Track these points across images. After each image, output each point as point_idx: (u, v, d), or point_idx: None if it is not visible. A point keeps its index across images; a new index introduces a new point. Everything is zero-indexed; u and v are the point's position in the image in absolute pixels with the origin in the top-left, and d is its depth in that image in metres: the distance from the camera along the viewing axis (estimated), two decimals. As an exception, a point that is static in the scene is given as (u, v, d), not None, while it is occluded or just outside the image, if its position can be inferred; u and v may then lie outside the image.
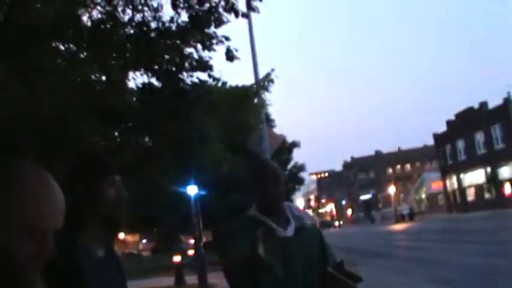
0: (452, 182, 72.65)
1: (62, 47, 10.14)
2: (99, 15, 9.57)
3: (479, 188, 64.93)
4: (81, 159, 2.42)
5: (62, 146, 8.41)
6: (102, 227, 2.34)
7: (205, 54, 9.70)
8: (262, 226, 3.10)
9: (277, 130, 23.15)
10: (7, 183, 1.32)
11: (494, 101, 60.61)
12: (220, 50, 9.25)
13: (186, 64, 9.68)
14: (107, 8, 9.16)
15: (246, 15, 8.00)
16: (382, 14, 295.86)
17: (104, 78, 10.22)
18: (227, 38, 9.17)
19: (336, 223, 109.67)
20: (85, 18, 9.77)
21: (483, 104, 62.53)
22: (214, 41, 9.20)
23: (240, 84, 13.42)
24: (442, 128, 73.46)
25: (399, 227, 57.44)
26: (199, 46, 9.40)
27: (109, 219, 2.31)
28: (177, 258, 25.04)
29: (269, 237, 3.07)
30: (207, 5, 7.91)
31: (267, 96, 12.33)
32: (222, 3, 7.62)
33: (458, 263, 16.36)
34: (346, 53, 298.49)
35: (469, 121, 63.34)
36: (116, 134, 11.57)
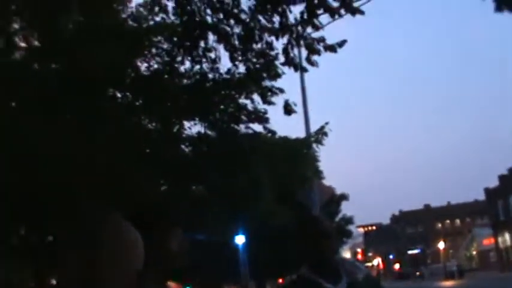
0: (504, 239, 70.64)
1: (118, 95, 10.35)
2: (157, 65, 9.77)
3: (533, 246, 62.98)
4: (145, 212, 2.41)
5: (118, 195, 8.49)
6: (162, 278, 2.33)
7: (261, 106, 9.77)
8: (312, 285, 3.06)
9: (325, 182, 23.03)
10: (102, 232, 1.51)
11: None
12: (275, 101, 9.30)
13: (242, 116, 9.75)
14: (166, 58, 9.33)
15: (304, 70, 7.99)
16: (432, 65, 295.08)
17: (159, 127, 10.35)
18: (282, 90, 9.20)
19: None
20: (143, 67, 9.99)
21: (537, 160, 61.20)
22: (269, 93, 9.26)
23: (289, 134, 13.49)
24: (494, 182, 71.91)
25: (449, 284, 55.85)
26: (255, 98, 9.47)
27: (170, 271, 2.30)
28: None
29: None
30: (266, 58, 7.96)
31: (319, 148, 12.31)
32: (281, 57, 7.65)
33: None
34: (396, 104, 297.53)
35: (522, 176, 61.89)
36: (169, 183, 11.67)
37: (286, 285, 3.62)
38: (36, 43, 9.13)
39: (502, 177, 69.54)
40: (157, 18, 9.23)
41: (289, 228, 16.48)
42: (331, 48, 7.50)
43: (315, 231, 3.13)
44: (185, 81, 9.53)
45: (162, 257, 2.25)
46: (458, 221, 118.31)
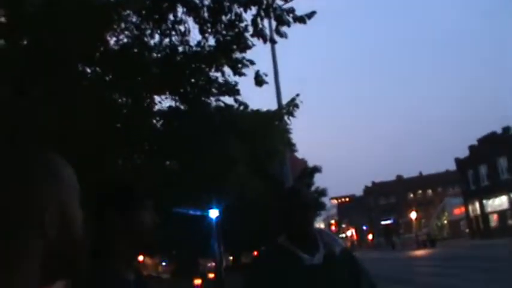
0: (474, 208, 71.91)
1: (88, 70, 10.24)
2: (127, 39, 9.67)
3: (502, 214, 64.20)
4: (116, 187, 2.41)
5: (88, 168, 8.43)
6: (135, 252, 2.34)
7: (231, 78, 9.76)
8: (289, 255, 3.08)
9: (298, 154, 23.11)
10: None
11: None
12: (246, 73, 9.28)
13: (213, 89, 9.73)
14: (135, 32, 9.24)
15: (273, 41, 7.99)
16: (406, 35, 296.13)
17: (129, 101, 10.29)
18: (252, 62, 9.19)
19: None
20: (112, 41, 9.88)
21: (506, 129, 62.08)
22: (240, 65, 9.23)
23: (261, 106, 13.45)
24: (465, 153, 72.92)
25: (421, 253, 56.80)
26: (225, 70, 9.45)
27: (144, 245, 2.31)
28: (197, 281, 24.98)
29: (296, 265, 3.04)
30: (235, 30, 7.93)
31: (291, 120, 12.31)
32: (250, 28, 7.63)
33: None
34: (368, 77, 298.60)
35: (491, 146, 62.77)
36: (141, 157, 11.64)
37: (262, 254, 3.63)
38: (2, 19, 8.97)
39: (472, 148, 70.53)
40: (126, -9, 9.12)
41: (265, 201, 16.62)
42: (301, 20, 7.51)
43: (298, 203, 3.14)
44: (155, 54, 9.45)
45: (134, 229, 2.25)
46: (430, 191, 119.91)
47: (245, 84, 9.89)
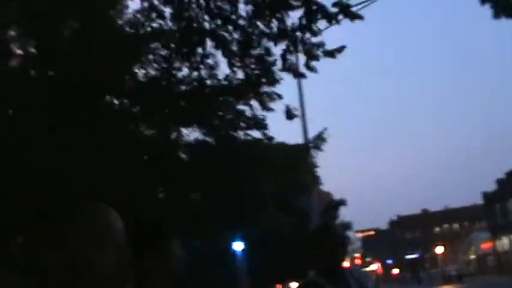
0: (503, 243, 70.62)
1: (116, 102, 10.29)
2: (155, 72, 9.71)
3: (532, 251, 62.97)
4: (148, 224, 2.37)
5: (119, 204, 8.41)
6: None
7: (258, 112, 9.72)
8: None
9: (323, 187, 22.97)
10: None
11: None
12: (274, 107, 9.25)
13: (241, 122, 9.70)
14: (163, 65, 9.28)
15: (302, 76, 7.91)
16: (430, 68, 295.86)
17: (157, 133, 10.30)
18: (280, 96, 9.15)
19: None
20: (140, 74, 9.92)
21: (535, 163, 61.19)
22: (268, 99, 9.21)
23: (286, 139, 13.36)
24: (492, 186, 71.88)
25: (448, 288, 55.80)
26: (253, 104, 9.43)
27: (171, 281, 2.26)
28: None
29: None
30: (264, 64, 7.90)
31: (318, 154, 12.24)
32: (278, 62, 7.59)
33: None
34: (394, 109, 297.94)
35: (520, 180, 61.82)
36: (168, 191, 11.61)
37: None
38: (33, 50, 9.08)
39: (500, 181, 69.49)
40: (155, 25, 9.17)
41: (290, 234, 16.48)
42: (330, 54, 7.42)
43: (331, 239, 3.10)
44: (183, 87, 9.47)
45: (163, 267, 2.21)
46: (456, 225, 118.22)
47: (269, 115, 9.86)
